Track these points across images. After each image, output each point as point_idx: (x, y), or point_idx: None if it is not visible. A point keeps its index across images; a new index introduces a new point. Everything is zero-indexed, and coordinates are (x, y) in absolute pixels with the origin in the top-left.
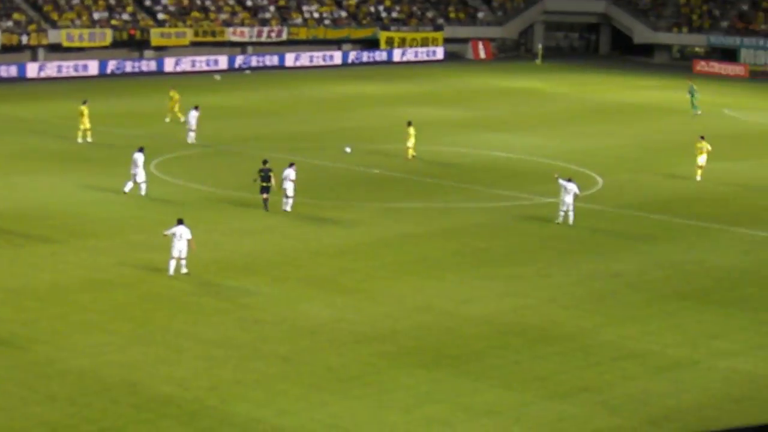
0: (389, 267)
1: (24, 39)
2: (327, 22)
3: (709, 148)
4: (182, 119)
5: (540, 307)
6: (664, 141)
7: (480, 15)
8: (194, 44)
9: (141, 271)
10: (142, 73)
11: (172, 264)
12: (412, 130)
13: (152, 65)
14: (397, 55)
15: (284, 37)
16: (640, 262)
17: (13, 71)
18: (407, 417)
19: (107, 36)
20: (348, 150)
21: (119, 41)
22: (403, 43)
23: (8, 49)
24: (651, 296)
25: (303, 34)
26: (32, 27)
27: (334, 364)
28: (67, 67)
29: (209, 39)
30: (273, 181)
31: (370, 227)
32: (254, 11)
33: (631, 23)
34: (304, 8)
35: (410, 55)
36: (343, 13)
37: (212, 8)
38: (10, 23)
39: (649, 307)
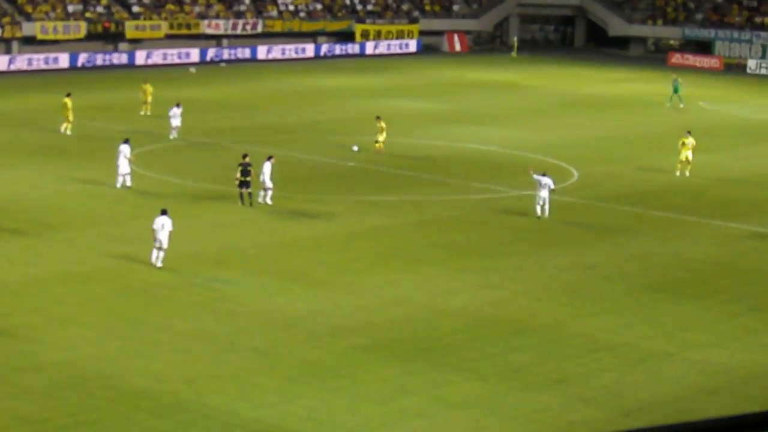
0: (365, 260)
1: None
2: (302, 14)
3: (694, 143)
4: (145, 113)
5: (515, 300)
6: (640, 133)
7: (455, 8)
8: (169, 37)
9: (116, 264)
10: (113, 66)
11: (154, 253)
12: (382, 124)
13: (123, 58)
14: (369, 47)
15: (259, 29)
16: (615, 255)
17: None
18: (383, 409)
19: (82, 28)
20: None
21: (94, 34)
22: (378, 36)
23: None
24: (626, 288)
25: (278, 26)
26: (6, 19)
27: (309, 357)
28: (38, 60)
29: (184, 32)
30: (253, 175)
31: (346, 220)
32: (229, 4)
33: (606, 16)
34: (280, 1)
35: (383, 47)
36: (319, 6)
37: (187, 1)
38: None
39: (624, 300)
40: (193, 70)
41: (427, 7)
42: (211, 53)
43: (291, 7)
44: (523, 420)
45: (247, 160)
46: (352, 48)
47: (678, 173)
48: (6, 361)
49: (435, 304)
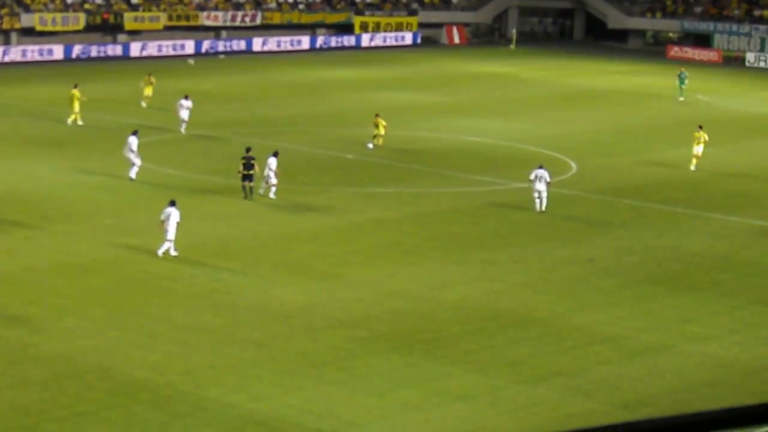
0: (363, 252)
1: None
2: (301, 6)
3: (707, 138)
4: (148, 105)
5: (514, 292)
6: (638, 126)
7: (454, 0)
8: (168, 28)
9: (115, 256)
10: (108, 58)
11: (165, 246)
12: (382, 121)
13: (118, 50)
14: (365, 40)
15: (258, 21)
16: (613, 248)
17: None
18: (381, 402)
19: (80, 20)
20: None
21: (92, 25)
22: (377, 28)
23: None
24: (624, 281)
25: (277, 18)
26: (5, 11)
27: (308, 349)
28: (32, 51)
29: (183, 23)
30: (257, 168)
31: (344, 212)
32: None
33: (605, 8)
34: None
35: (378, 40)
36: None
37: None
38: None
39: (622, 292)
40: (191, 61)
41: (426, 0)
42: (206, 45)
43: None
44: (521, 412)
45: (251, 153)
46: (348, 40)
47: (693, 168)
48: (4, 353)
49: (433, 297)
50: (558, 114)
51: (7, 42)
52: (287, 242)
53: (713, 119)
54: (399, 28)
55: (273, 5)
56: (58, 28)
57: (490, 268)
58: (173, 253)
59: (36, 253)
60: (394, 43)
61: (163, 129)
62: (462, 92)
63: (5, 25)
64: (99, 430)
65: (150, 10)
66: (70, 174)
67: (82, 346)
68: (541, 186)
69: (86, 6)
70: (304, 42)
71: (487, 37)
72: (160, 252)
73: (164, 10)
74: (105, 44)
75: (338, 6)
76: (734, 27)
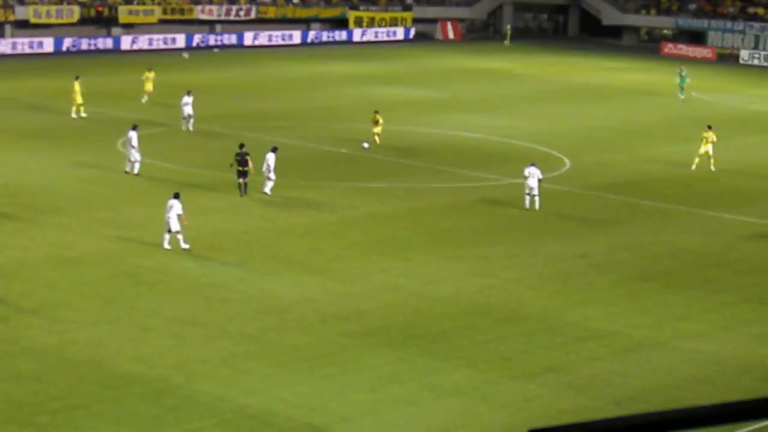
0: (356, 247)
1: None
2: (296, 1)
3: (714, 138)
4: (147, 99)
5: (506, 288)
6: (632, 123)
7: None
8: (162, 22)
9: (108, 249)
10: (98, 51)
11: (166, 238)
12: (380, 119)
13: (109, 43)
14: (360, 34)
15: (253, 15)
16: (606, 244)
17: None
18: (373, 396)
19: (75, 13)
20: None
21: (87, 18)
22: (372, 23)
23: None
24: (617, 278)
25: (272, 12)
26: None
27: (300, 344)
28: (22, 44)
29: (177, 17)
30: (251, 165)
31: (337, 207)
32: None
33: (600, 5)
34: None
35: (370, 35)
36: None
37: None
38: None
39: (615, 289)
40: (186, 55)
41: None
42: (197, 39)
43: None
44: (513, 408)
45: (245, 149)
46: (339, 35)
47: (694, 167)
48: None
49: (426, 292)
50: (552, 110)
51: (1, 35)
52: (280, 236)
53: (707, 116)
54: (393, 23)
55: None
56: (53, 20)
57: (483, 263)
58: (183, 245)
59: (29, 245)
60: (388, 38)
61: (156, 123)
62: (456, 88)
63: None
64: (91, 422)
65: (144, 4)
66: (64, 167)
67: (75, 339)
68: (533, 183)
69: None
70: (298, 36)
71: (482, 33)
72: (166, 245)
73: (159, 3)
74: (96, 37)
75: (333, 1)
76: (728, 24)
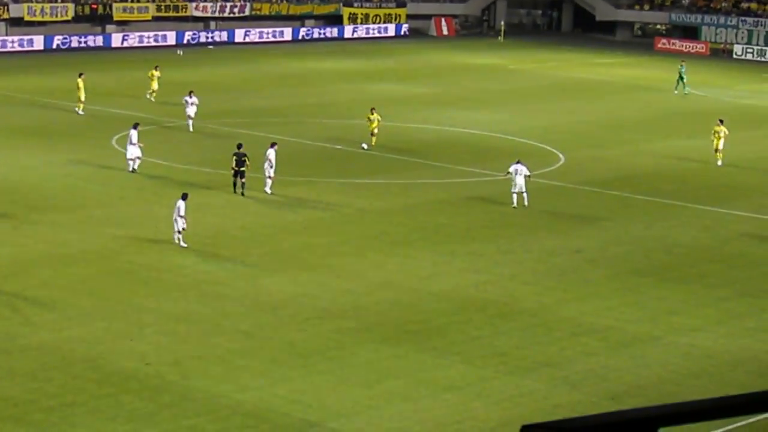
0: (351, 243)
1: None
2: None
3: (727, 132)
4: (151, 98)
5: (501, 283)
6: (626, 118)
7: None
8: (156, 19)
9: (103, 246)
10: (89, 48)
11: (175, 237)
12: (377, 116)
13: (99, 40)
14: (355, 31)
15: (247, 12)
16: (601, 239)
17: None
18: (369, 392)
19: (69, 10)
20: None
21: (81, 15)
22: (366, 19)
23: None
24: (611, 272)
25: (266, 9)
26: None
27: (296, 340)
28: (12, 42)
29: (172, 14)
30: (248, 164)
31: (333, 203)
32: None
33: (593, 1)
34: None
35: (367, 31)
36: None
37: None
38: None
39: (609, 284)
40: (180, 52)
41: None
42: (188, 36)
43: None
44: (508, 403)
45: (242, 149)
46: (337, 31)
47: (719, 162)
48: None
49: (421, 288)
50: (546, 105)
51: None
52: (276, 233)
53: (700, 111)
54: (388, 19)
55: None
56: (47, 18)
57: (478, 259)
58: (182, 244)
59: (24, 243)
60: (382, 34)
61: (151, 120)
62: (450, 84)
63: None
64: (87, 420)
65: (139, 1)
66: (59, 165)
67: (70, 337)
68: (521, 180)
69: None
70: (293, 33)
71: (476, 29)
72: (182, 243)
73: (153, 0)
74: (86, 34)
75: None
76: (722, 19)
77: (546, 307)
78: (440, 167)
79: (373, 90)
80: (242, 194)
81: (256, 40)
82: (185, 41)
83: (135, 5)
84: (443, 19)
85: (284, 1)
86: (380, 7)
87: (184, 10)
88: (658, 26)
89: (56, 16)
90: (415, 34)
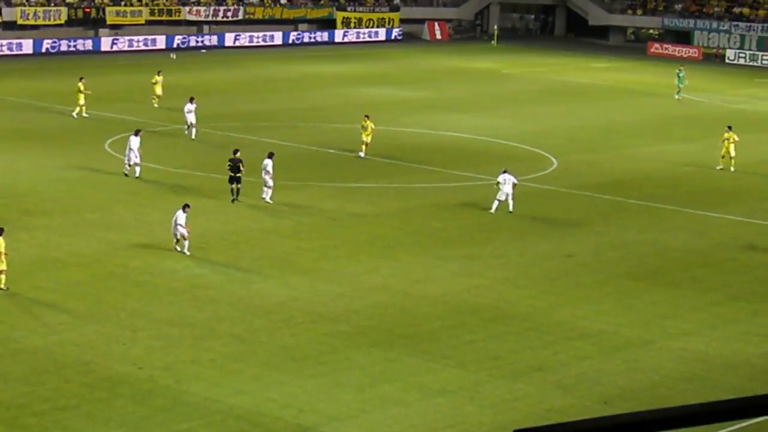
0: (344, 247)
1: None
2: (283, 1)
3: (737, 138)
4: (158, 105)
5: (494, 287)
6: (619, 122)
7: None
8: (150, 23)
9: (96, 250)
10: (78, 52)
11: (176, 246)
12: (371, 124)
13: (89, 44)
14: (348, 35)
15: (240, 16)
16: (593, 243)
17: None
18: (362, 396)
19: (62, 14)
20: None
21: (74, 19)
22: (359, 24)
23: None
24: (604, 277)
25: (259, 13)
26: None
27: (289, 344)
28: (1, 46)
29: (165, 18)
30: (243, 171)
31: (326, 207)
32: None
33: (586, 5)
34: None
35: (360, 35)
36: None
37: None
38: None
39: (602, 288)
40: (173, 56)
41: None
42: (178, 40)
43: None
44: (501, 407)
45: (238, 155)
46: (321, 36)
47: (721, 167)
48: None
49: (414, 292)
50: (539, 110)
51: None
52: (268, 237)
53: (693, 116)
54: (381, 23)
55: (255, 0)
56: (40, 21)
57: (471, 263)
58: (185, 251)
59: (16, 247)
60: (373, 38)
61: (144, 124)
62: (444, 88)
63: None
64: (79, 424)
65: (132, 5)
66: (52, 168)
67: (62, 341)
68: (508, 188)
69: (68, 0)
70: (283, 37)
71: (469, 33)
72: (186, 251)
73: (146, 4)
74: (75, 38)
75: (320, 1)
76: (714, 24)
77: (539, 311)
78: (433, 171)
79: (367, 94)
80: (237, 200)
81: (247, 44)
82: (175, 45)
83: (128, 9)
84: (436, 24)
85: (278, 5)
86: (374, 11)
87: (177, 14)
88: (651, 31)
89: (49, 19)
90: (409, 38)
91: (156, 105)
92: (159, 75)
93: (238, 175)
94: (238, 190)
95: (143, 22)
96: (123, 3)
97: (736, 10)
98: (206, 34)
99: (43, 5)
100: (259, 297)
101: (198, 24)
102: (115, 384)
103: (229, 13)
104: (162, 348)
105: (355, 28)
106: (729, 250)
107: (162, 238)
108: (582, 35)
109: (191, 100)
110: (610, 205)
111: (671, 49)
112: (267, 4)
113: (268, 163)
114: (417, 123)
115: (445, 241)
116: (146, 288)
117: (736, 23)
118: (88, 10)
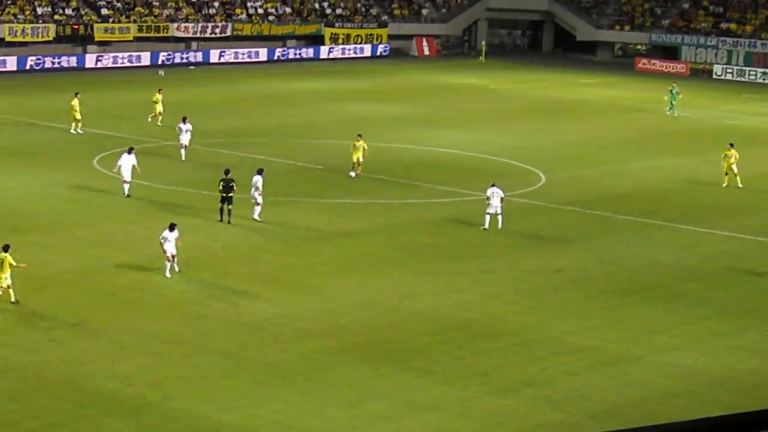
0: (333, 263)
1: None
2: (272, 18)
3: (737, 156)
4: (159, 122)
5: (483, 303)
6: (607, 138)
7: (424, 12)
8: (138, 39)
9: (84, 267)
10: (62, 69)
11: (167, 265)
12: (364, 144)
13: (73, 61)
14: (336, 51)
15: (229, 32)
16: (582, 259)
17: None
18: (351, 413)
19: (50, 31)
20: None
21: (62, 36)
22: (347, 40)
23: None
24: (593, 292)
25: (247, 30)
26: None
27: (277, 360)
28: None
29: (153, 35)
30: (236, 190)
31: (314, 223)
32: (198, 7)
33: (574, 21)
34: (249, 4)
35: (349, 51)
36: (288, 9)
37: (156, 4)
38: None
39: (591, 303)
40: (161, 72)
41: (396, 12)
42: (163, 56)
43: (260, 11)
44: (490, 423)
45: (230, 176)
46: (307, 52)
47: (726, 185)
48: None
49: (403, 307)
50: (527, 125)
51: None
52: (257, 253)
53: (680, 130)
54: (369, 39)
55: (243, 17)
56: (28, 38)
57: (459, 278)
58: (175, 268)
59: None
60: (358, 54)
61: (134, 141)
62: (432, 104)
63: None
64: None
65: (120, 22)
66: (40, 185)
67: (51, 358)
68: (496, 201)
69: (56, 17)
70: (268, 54)
71: (457, 49)
72: (176, 267)
73: (134, 21)
74: (59, 55)
75: (309, 18)
76: (701, 39)
77: (528, 326)
78: (421, 187)
79: (355, 110)
80: (228, 222)
81: (232, 60)
82: (160, 62)
83: (116, 26)
84: (424, 40)
85: (266, 22)
86: (362, 27)
87: (165, 30)
88: (639, 46)
89: (37, 36)
90: (397, 54)
91: (159, 123)
92: (159, 93)
93: (230, 195)
94: (229, 211)
95: (131, 38)
96: (111, 20)
97: (724, 25)
98: (191, 51)
99: (31, 22)
100: (247, 313)
101: (186, 41)
102: (104, 401)
103: (218, 30)
104: (151, 365)
105: (343, 44)
106: (718, 265)
107: (151, 254)
108: (570, 51)
109: (184, 120)
110: (598, 220)
111: (659, 64)
112: (255, 21)
113: (258, 179)
114: (405, 139)
115: (434, 257)
116: (135, 305)
117: (723, 39)
118: (76, 27)
